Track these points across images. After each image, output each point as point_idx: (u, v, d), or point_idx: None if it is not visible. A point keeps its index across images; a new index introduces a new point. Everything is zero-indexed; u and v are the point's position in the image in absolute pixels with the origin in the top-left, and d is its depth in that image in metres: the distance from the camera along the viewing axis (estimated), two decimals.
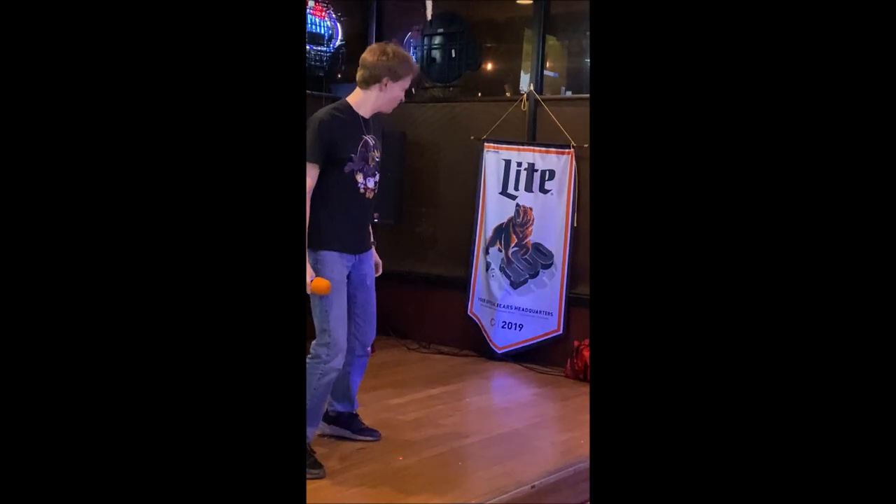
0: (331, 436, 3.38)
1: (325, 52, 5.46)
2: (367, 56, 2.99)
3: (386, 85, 2.95)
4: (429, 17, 5.36)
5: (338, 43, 5.52)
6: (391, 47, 3.00)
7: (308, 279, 2.81)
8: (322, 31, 5.43)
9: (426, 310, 5.43)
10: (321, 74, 5.41)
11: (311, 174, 2.83)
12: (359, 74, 2.99)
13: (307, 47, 5.30)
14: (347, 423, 3.40)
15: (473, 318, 5.19)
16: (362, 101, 2.99)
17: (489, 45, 5.53)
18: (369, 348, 3.33)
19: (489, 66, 5.56)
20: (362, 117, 2.98)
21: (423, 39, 5.56)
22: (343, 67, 5.59)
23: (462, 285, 5.23)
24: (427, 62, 5.56)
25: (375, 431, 3.44)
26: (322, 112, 2.92)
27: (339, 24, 5.53)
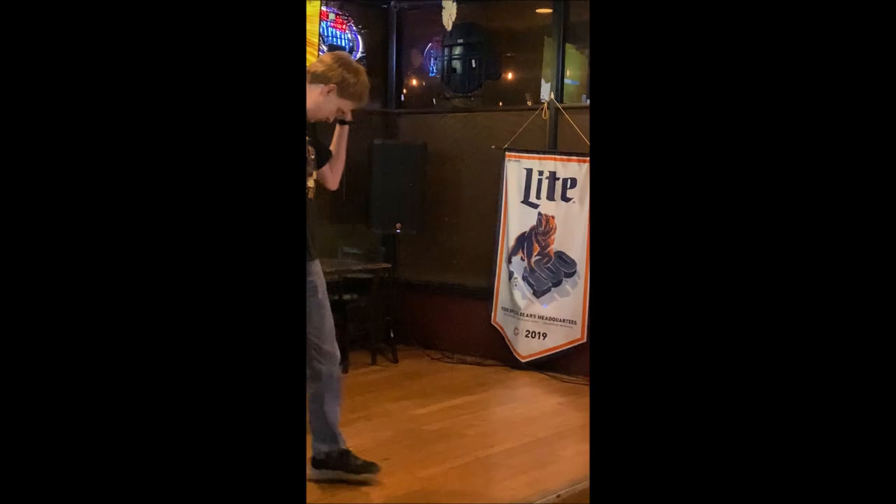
0: (323, 481, 2.96)
1: None
2: (329, 58, 2.87)
3: (329, 92, 2.80)
4: (448, 27, 5.38)
5: (359, 55, 5.55)
6: (362, 67, 2.90)
7: None
8: (343, 44, 5.47)
9: (449, 320, 5.43)
10: None
11: None
12: (310, 66, 2.82)
13: None
14: (339, 463, 2.99)
15: (497, 327, 5.18)
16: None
17: (509, 54, 5.54)
18: (338, 370, 3.00)
19: (509, 76, 5.56)
20: None
21: (443, 50, 5.58)
22: None
23: (485, 295, 5.22)
24: (447, 72, 5.58)
25: (374, 465, 3.05)
26: None
27: (359, 37, 5.57)
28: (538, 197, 5.01)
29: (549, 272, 4.97)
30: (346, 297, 4.99)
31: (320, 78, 2.79)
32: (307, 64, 2.86)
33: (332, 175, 3.05)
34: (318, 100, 2.80)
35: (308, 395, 2.89)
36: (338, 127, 3.00)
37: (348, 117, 2.94)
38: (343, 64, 2.83)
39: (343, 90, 2.80)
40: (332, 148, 3.03)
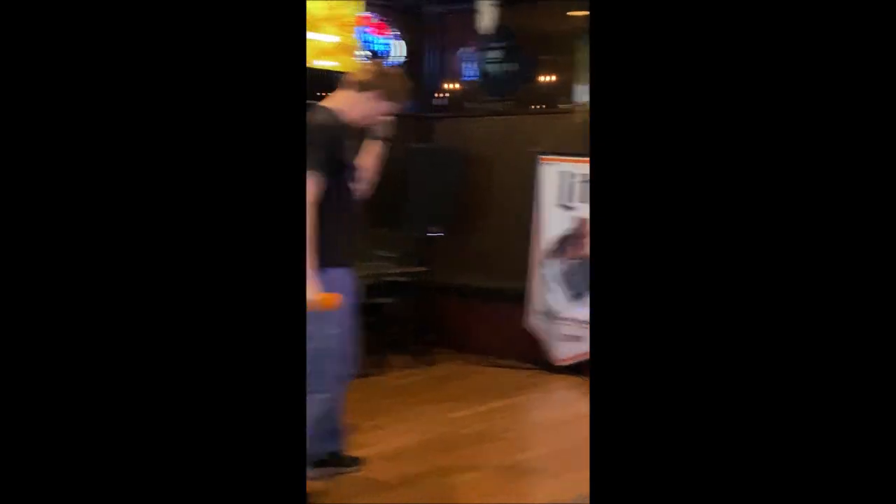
0: (318, 479, 3.05)
1: None
2: (371, 66, 3.12)
3: (377, 97, 2.92)
4: (483, 31, 5.39)
5: (396, 60, 5.59)
6: (400, 70, 3.11)
7: (313, 295, 2.61)
8: (380, 49, 5.51)
9: (484, 323, 5.44)
10: None
11: (316, 184, 2.70)
12: (355, 75, 2.96)
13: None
14: (336, 462, 3.13)
15: (532, 330, 5.18)
16: (350, 104, 2.91)
17: (544, 57, 5.53)
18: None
19: (544, 79, 5.56)
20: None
21: (478, 54, 5.59)
22: None
23: (520, 298, 5.22)
24: (482, 76, 5.58)
25: (357, 459, 3.21)
26: (320, 117, 2.82)
27: (396, 41, 5.61)
28: (574, 200, 5.00)
29: (584, 275, 4.96)
30: (382, 300, 5.02)
31: (367, 85, 2.92)
32: (351, 73, 3.00)
33: (367, 186, 3.19)
34: (368, 105, 2.93)
35: (329, 397, 2.95)
36: (372, 142, 3.12)
37: (386, 133, 3.08)
38: (384, 68, 3.05)
39: (392, 95, 2.95)
40: (365, 161, 3.11)
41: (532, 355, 5.16)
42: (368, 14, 5.27)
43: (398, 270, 5.26)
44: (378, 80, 2.92)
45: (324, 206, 2.71)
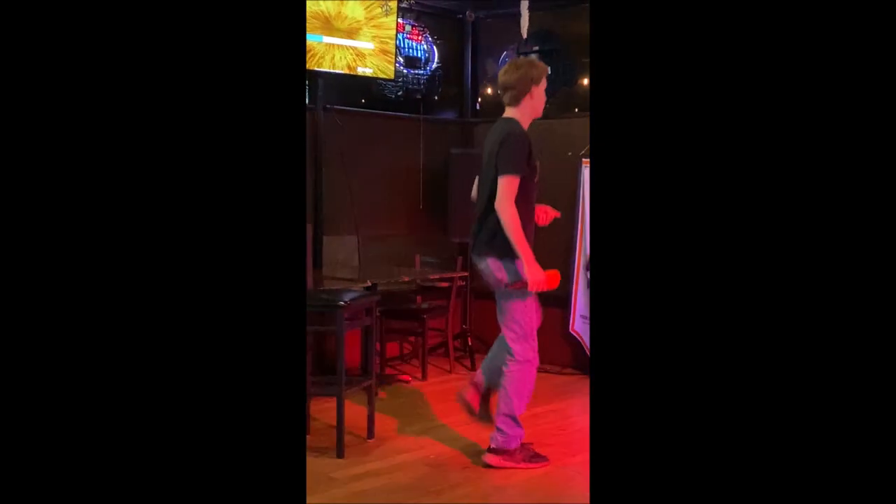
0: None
1: (423, 75, 5.56)
2: (506, 77, 3.26)
3: (532, 92, 3.23)
4: (524, 35, 5.37)
5: (434, 66, 5.60)
6: (519, 60, 3.33)
7: (540, 277, 3.19)
8: (419, 55, 5.53)
9: None
10: (419, 97, 5.50)
11: (516, 185, 3.10)
12: (507, 96, 3.26)
13: (405, 71, 5.40)
14: (480, 412, 3.60)
15: (575, 335, 5.13)
16: (521, 114, 3.26)
17: (585, 60, 5.49)
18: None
19: (585, 82, 5.52)
20: None
21: (518, 58, 5.57)
22: (440, 90, 5.66)
23: (563, 303, 5.18)
24: None
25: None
26: (514, 127, 3.19)
27: (435, 48, 5.62)
28: None
29: None
30: (424, 305, 5.01)
31: (525, 84, 3.21)
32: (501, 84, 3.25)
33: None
34: (531, 103, 3.26)
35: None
36: None
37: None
38: (521, 64, 3.32)
39: (537, 78, 3.24)
40: None
41: (575, 360, 5.11)
42: (403, 21, 5.29)
43: (440, 275, 5.25)
44: (523, 80, 3.20)
45: (518, 201, 3.11)
